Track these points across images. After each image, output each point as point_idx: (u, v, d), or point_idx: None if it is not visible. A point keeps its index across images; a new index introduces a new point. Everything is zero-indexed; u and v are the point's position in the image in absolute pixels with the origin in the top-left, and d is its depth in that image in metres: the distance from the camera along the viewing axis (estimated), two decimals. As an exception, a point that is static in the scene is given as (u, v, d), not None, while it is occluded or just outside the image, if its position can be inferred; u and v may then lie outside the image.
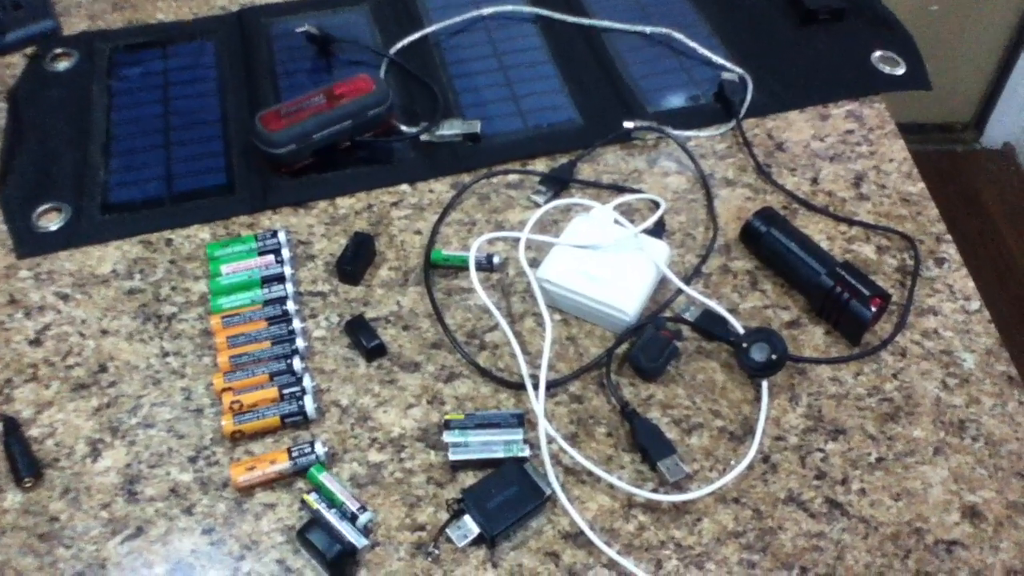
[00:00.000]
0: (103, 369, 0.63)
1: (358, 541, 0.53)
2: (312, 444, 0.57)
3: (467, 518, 0.54)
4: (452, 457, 0.57)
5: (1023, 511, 0.56)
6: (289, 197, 0.73)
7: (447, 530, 0.54)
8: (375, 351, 0.63)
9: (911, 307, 0.66)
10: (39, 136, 0.77)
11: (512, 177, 0.75)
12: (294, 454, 0.57)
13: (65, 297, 0.67)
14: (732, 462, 0.58)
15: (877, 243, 0.70)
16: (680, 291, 0.66)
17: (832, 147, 0.78)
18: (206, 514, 0.56)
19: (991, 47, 1.85)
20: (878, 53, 0.85)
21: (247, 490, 0.57)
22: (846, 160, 0.77)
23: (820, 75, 0.83)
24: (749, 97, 0.80)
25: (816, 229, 0.71)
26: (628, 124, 0.77)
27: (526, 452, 0.57)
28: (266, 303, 0.65)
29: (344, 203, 0.73)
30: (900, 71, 0.84)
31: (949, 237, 0.71)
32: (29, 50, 0.85)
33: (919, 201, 0.74)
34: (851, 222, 0.72)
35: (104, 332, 0.65)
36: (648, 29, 0.87)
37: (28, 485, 0.57)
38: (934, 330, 0.65)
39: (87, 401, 0.61)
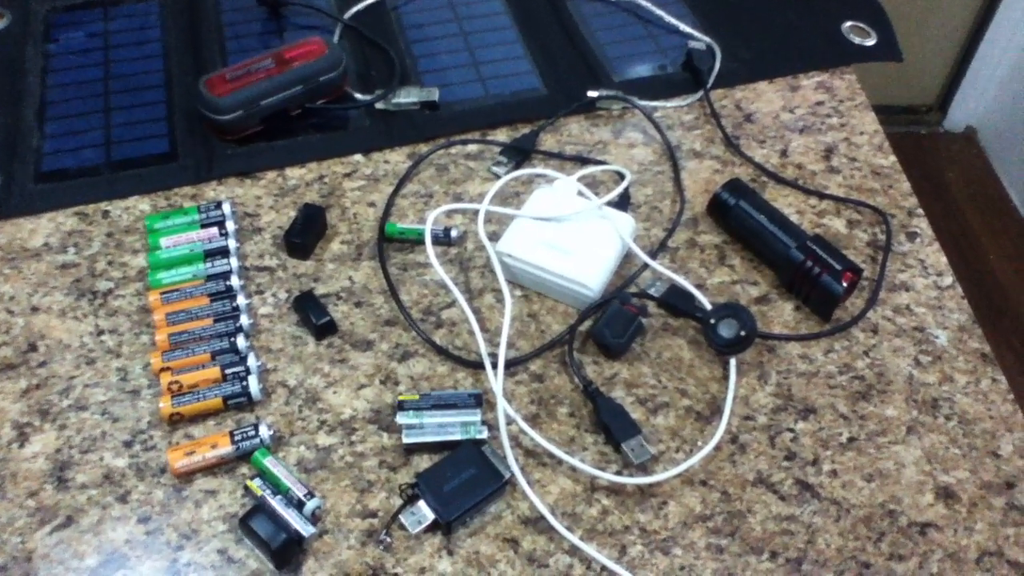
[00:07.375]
0: (33, 348, 0.59)
1: (305, 529, 0.50)
2: (256, 427, 0.54)
3: (421, 503, 0.51)
4: (406, 440, 0.54)
5: (997, 492, 0.54)
6: (235, 166, 0.69)
7: (400, 516, 0.51)
8: (325, 328, 0.60)
9: (883, 282, 0.64)
10: (-33, 101, 0.73)
11: (471, 147, 0.72)
12: (237, 437, 0.53)
13: (-8, 271, 0.63)
14: (699, 443, 0.56)
15: (848, 217, 0.68)
16: (646, 265, 0.64)
17: (802, 119, 0.75)
18: (142, 502, 0.52)
19: (955, 29, 1.85)
20: (848, 23, 0.83)
21: (186, 476, 0.53)
22: (816, 132, 0.74)
23: (790, 45, 0.81)
24: (717, 66, 0.78)
25: (785, 202, 0.69)
26: (593, 93, 0.74)
27: (484, 434, 0.54)
28: (209, 278, 0.61)
29: (294, 173, 0.69)
30: (871, 42, 0.82)
31: (921, 211, 0.69)
32: (-43, 10, 0.80)
33: (890, 174, 0.72)
34: (821, 195, 0.70)
35: (35, 309, 0.61)
36: (614, -4, 0.84)
37: (-52, 472, 0.53)
38: (906, 306, 0.63)
39: (15, 382, 0.57)
